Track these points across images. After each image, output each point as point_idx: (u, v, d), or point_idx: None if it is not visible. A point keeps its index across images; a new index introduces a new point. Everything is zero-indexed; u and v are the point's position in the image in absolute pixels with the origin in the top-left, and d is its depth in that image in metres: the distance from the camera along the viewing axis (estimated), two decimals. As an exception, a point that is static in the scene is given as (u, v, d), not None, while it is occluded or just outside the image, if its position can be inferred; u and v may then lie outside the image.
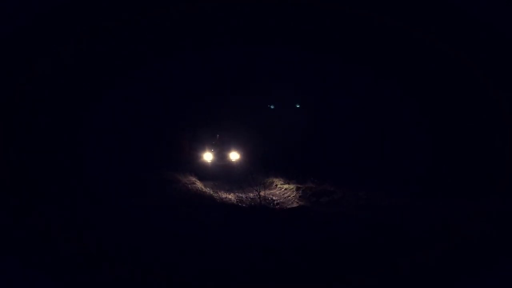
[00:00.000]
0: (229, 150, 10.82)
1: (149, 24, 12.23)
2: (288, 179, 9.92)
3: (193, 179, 8.96)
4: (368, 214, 6.33)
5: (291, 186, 9.45)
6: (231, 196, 8.18)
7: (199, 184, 8.69)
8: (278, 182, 10.02)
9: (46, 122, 9.02)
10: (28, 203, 5.05)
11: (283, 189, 9.46)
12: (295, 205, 7.67)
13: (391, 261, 3.81)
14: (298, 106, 14.53)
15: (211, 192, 8.23)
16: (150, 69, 12.73)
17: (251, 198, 7.96)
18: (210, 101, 13.46)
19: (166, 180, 7.81)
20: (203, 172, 9.89)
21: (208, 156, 10.60)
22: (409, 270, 3.60)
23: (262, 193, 7.52)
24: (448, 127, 9.83)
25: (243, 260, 3.58)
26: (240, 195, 8.35)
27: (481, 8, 9.65)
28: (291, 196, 8.77)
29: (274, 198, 8.57)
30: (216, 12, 13.17)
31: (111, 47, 11.52)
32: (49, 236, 3.95)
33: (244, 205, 7.29)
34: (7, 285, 3.04)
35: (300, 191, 8.90)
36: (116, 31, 11.48)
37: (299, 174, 9.74)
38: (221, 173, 10.05)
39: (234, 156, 10.83)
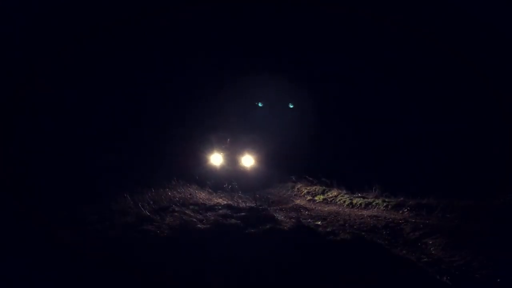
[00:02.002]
0: (241, 154, 9.42)
1: (149, 24, 12.23)
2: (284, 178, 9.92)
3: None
4: (364, 213, 6.33)
5: (287, 185, 9.45)
6: (226, 196, 8.11)
7: (194, 187, 8.58)
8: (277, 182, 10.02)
9: (46, 122, 9.01)
10: (28, 203, 5.05)
11: (278, 188, 9.47)
12: (290, 204, 7.66)
13: (391, 261, 3.81)
14: (291, 106, 14.49)
15: (207, 193, 8.15)
16: (150, 69, 12.72)
17: (246, 198, 7.91)
18: (213, 101, 13.36)
19: (163, 182, 7.72)
20: (208, 177, 8.82)
21: (216, 159, 9.40)
22: (409, 270, 3.59)
23: (257, 194, 7.49)
24: (448, 127, 9.83)
25: (240, 259, 3.58)
26: (235, 194, 8.27)
27: (481, 8, 9.66)
28: (286, 194, 8.77)
29: (269, 196, 8.56)
30: (217, 12, 13.17)
31: (111, 47, 11.52)
32: (49, 236, 3.95)
33: (239, 205, 7.24)
34: (7, 285, 3.04)
35: (296, 189, 8.90)
36: (116, 31, 11.48)
37: (300, 172, 9.72)
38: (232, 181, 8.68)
39: (248, 161, 9.41)
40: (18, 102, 8.64)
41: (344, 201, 7.27)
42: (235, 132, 11.00)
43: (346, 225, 5.66)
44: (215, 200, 7.19)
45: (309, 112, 13.28)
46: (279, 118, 13.53)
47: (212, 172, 9.68)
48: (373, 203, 6.73)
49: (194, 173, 9.23)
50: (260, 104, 14.21)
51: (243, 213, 5.49)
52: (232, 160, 9.94)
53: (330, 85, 13.67)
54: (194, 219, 4.96)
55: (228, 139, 10.42)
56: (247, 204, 6.68)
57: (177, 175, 8.04)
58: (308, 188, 8.69)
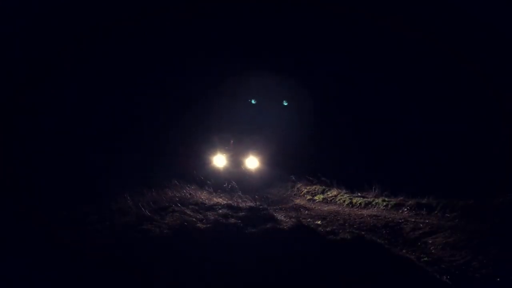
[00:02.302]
0: (245, 155, 9.46)
1: (149, 24, 12.24)
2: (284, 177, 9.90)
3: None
4: (364, 212, 6.33)
5: (287, 185, 9.42)
6: (225, 196, 8.06)
7: (194, 186, 8.54)
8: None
9: (46, 122, 9.02)
10: (28, 203, 5.05)
11: (278, 188, 9.44)
12: (290, 203, 7.65)
13: (390, 260, 3.81)
14: (286, 103, 14.36)
15: (207, 192, 8.11)
16: (150, 69, 12.73)
17: (246, 197, 7.86)
18: (213, 101, 13.32)
19: (163, 182, 7.69)
20: (209, 177, 8.41)
21: (219, 161, 9.25)
22: (409, 269, 3.59)
23: (257, 194, 7.47)
24: (448, 127, 9.82)
25: (240, 259, 3.58)
26: (235, 193, 8.22)
27: (481, 8, 9.67)
28: (286, 194, 8.75)
29: (269, 196, 8.53)
30: (217, 12, 13.17)
31: (111, 47, 11.53)
32: (49, 236, 3.95)
33: (239, 204, 7.22)
34: (7, 285, 3.04)
35: (295, 189, 8.87)
36: (116, 31, 11.49)
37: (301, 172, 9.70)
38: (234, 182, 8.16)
39: (252, 163, 9.35)
40: (18, 102, 8.64)
41: (344, 201, 7.27)
42: (236, 132, 11.02)
43: (346, 224, 5.66)
44: (215, 200, 7.18)
45: (309, 112, 13.25)
46: (279, 118, 13.51)
47: (213, 173, 9.66)
48: (373, 203, 6.73)
49: (195, 173, 9.21)
50: (253, 101, 14.02)
51: (243, 213, 5.49)
52: (235, 161, 9.93)
53: (330, 85, 13.66)
54: (194, 219, 4.96)
55: (232, 141, 10.40)
56: (247, 204, 6.68)
57: (177, 175, 8.03)
58: (308, 187, 8.68)
